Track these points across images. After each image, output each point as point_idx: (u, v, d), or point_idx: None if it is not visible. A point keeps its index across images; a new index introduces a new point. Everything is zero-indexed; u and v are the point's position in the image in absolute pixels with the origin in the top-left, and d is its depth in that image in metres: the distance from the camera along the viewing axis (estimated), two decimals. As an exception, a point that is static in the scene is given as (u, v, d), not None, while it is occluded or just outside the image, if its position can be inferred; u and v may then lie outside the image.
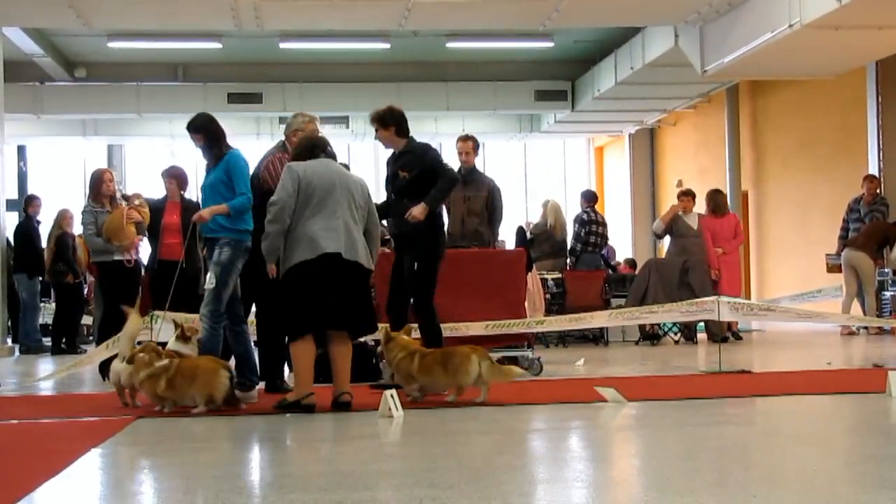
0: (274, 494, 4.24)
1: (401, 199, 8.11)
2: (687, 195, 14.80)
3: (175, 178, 10.28)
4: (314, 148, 7.30)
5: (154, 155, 24.27)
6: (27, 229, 15.29)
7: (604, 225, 15.66)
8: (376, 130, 8.25)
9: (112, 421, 6.57)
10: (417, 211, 7.89)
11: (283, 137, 8.57)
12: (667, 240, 15.07)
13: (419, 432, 6.18)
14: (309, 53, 20.93)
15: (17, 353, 14.88)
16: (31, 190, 21.88)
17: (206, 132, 8.11)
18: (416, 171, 8.06)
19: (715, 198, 14.99)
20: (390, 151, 8.43)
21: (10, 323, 15.58)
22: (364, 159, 24.76)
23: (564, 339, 14.40)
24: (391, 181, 8.24)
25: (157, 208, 10.24)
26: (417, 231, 8.02)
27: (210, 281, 7.78)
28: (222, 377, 6.93)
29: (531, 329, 10.04)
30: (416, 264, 8.08)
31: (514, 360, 10.19)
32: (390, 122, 8.16)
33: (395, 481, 4.49)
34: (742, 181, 21.02)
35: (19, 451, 5.63)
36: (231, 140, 8.35)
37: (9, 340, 15.49)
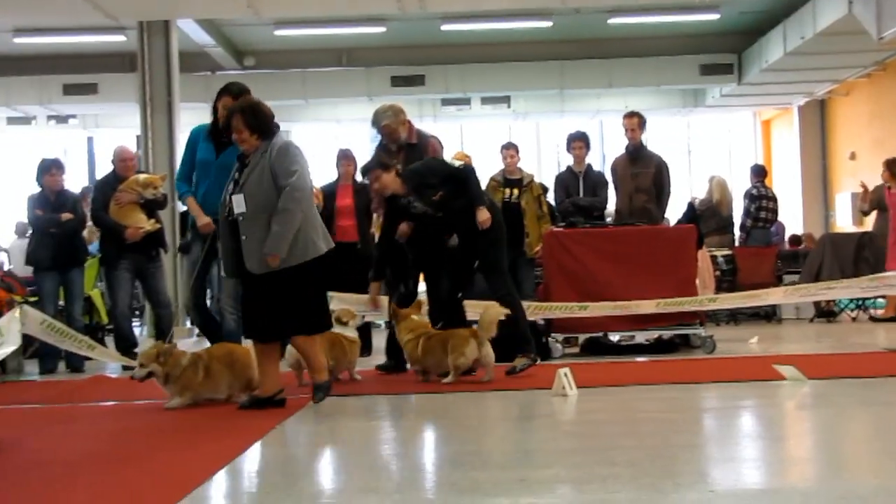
0: (457, 472, 4.29)
1: (447, 210, 8.03)
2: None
3: (352, 160, 10.47)
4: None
5: (320, 139, 24.77)
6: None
7: (774, 200, 15.27)
8: (375, 179, 7.94)
9: (291, 400, 6.72)
10: (483, 217, 7.82)
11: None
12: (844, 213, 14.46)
13: (595, 410, 6.16)
14: (471, 34, 20.98)
15: (194, 335, 15.39)
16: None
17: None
18: (440, 187, 7.94)
19: None
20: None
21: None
22: (527, 139, 24.73)
23: (736, 316, 14.13)
24: (430, 204, 7.96)
25: (330, 192, 10.42)
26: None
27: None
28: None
29: (704, 307, 9.88)
30: (488, 249, 7.99)
31: (685, 338, 10.10)
32: (389, 165, 8.01)
33: (576, 459, 4.50)
34: (920, 153, 20.20)
35: (212, 428, 5.86)
36: None
37: (188, 321, 16.05)
